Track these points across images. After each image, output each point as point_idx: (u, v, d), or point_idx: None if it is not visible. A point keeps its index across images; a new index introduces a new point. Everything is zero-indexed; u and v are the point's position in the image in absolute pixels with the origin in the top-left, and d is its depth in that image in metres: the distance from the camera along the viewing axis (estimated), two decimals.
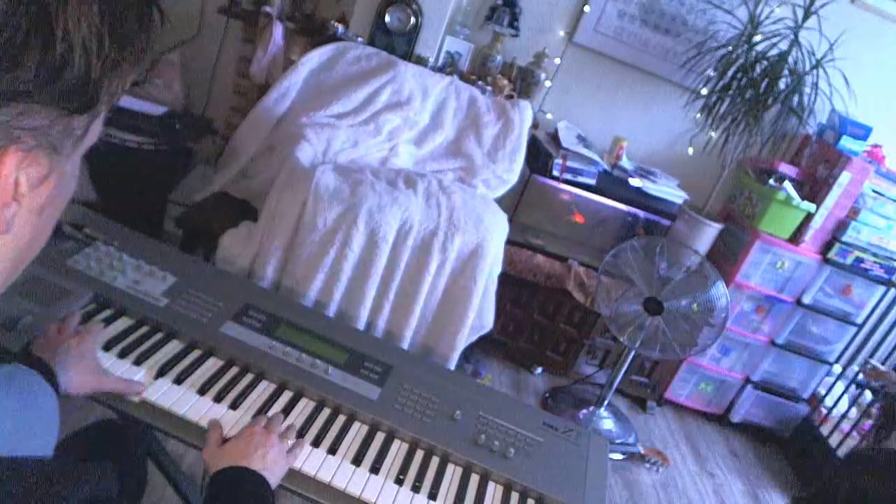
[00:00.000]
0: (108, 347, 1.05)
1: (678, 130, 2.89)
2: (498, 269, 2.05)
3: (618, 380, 2.62)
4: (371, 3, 2.39)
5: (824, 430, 2.84)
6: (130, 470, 1.17)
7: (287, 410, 1.08)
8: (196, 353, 1.12)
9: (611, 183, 2.69)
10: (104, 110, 0.44)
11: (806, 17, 2.50)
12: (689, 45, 2.71)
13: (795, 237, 2.67)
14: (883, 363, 3.06)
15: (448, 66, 2.60)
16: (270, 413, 1.07)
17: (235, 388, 1.08)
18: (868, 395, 3.02)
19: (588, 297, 2.66)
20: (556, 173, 2.54)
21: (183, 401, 1.02)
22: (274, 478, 0.93)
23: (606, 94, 2.88)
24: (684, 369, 2.91)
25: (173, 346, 1.12)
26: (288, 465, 0.98)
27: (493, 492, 1.08)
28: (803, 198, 2.61)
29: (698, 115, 2.72)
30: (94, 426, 1.16)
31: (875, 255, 2.68)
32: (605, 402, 2.66)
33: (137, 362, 1.05)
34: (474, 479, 1.09)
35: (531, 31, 2.74)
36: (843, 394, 2.87)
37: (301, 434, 1.05)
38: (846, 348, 2.89)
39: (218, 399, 1.04)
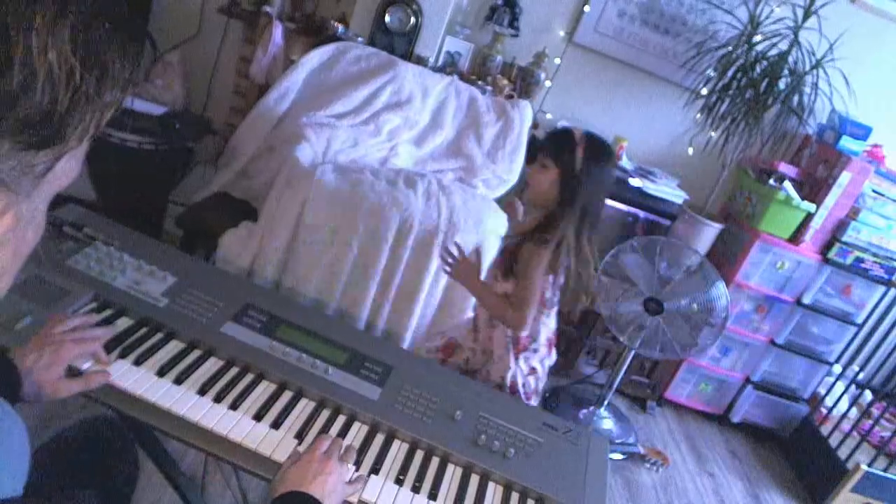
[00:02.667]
0: (108, 348, 1.05)
1: (678, 130, 2.89)
2: None
3: (618, 380, 2.62)
4: (371, 3, 2.39)
5: (824, 430, 2.84)
6: (124, 467, 1.15)
7: (287, 410, 1.07)
8: (196, 354, 1.12)
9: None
10: (76, 146, 0.39)
11: (806, 17, 2.50)
12: (688, 45, 2.71)
13: (795, 237, 2.67)
14: (883, 363, 3.06)
15: (448, 66, 2.60)
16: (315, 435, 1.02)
17: (235, 388, 1.08)
18: (868, 394, 3.02)
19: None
20: None
21: (183, 401, 1.02)
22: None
23: (606, 94, 2.88)
24: (684, 369, 2.90)
25: (173, 347, 1.12)
26: (346, 493, 0.96)
27: (493, 492, 1.08)
28: (803, 198, 2.61)
29: (698, 115, 2.72)
30: (88, 423, 1.15)
31: (875, 255, 2.68)
32: (605, 402, 2.66)
33: (137, 362, 1.05)
34: (474, 480, 1.09)
35: (531, 31, 2.74)
36: (843, 394, 2.87)
37: (300, 436, 1.04)
38: (846, 348, 2.89)
39: (218, 399, 1.04)
